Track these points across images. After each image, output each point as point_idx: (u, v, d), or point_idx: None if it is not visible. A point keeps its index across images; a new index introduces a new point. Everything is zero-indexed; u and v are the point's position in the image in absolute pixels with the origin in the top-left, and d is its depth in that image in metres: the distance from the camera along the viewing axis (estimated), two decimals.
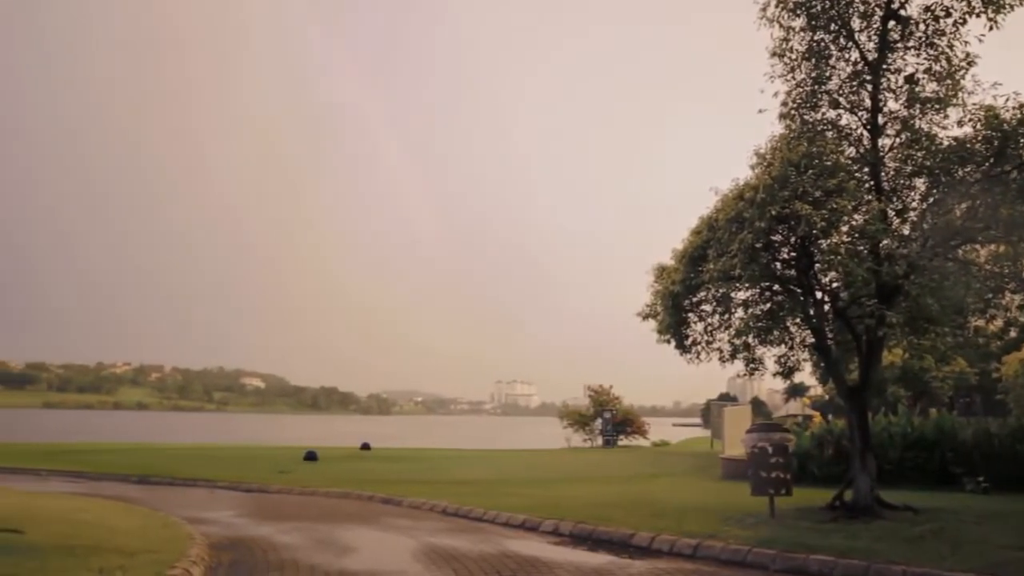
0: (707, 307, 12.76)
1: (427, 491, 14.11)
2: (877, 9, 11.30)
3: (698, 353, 13.01)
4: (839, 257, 10.25)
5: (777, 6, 11.49)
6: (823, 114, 11.79)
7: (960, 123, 10.88)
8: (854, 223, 10.69)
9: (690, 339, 12.98)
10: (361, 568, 7.67)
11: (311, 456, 22.47)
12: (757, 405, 50.80)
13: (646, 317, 13.67)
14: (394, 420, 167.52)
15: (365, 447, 29.38)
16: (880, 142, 11.55)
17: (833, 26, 11.43)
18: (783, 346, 12.69)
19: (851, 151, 11.68)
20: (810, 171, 10.54)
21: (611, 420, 37.32)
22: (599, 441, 37.64)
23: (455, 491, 14.24)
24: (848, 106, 11.69)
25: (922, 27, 11.12)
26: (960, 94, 10.92)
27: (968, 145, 10.46)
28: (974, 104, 10.70)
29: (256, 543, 8.98)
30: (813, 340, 12.30)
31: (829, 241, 10.50)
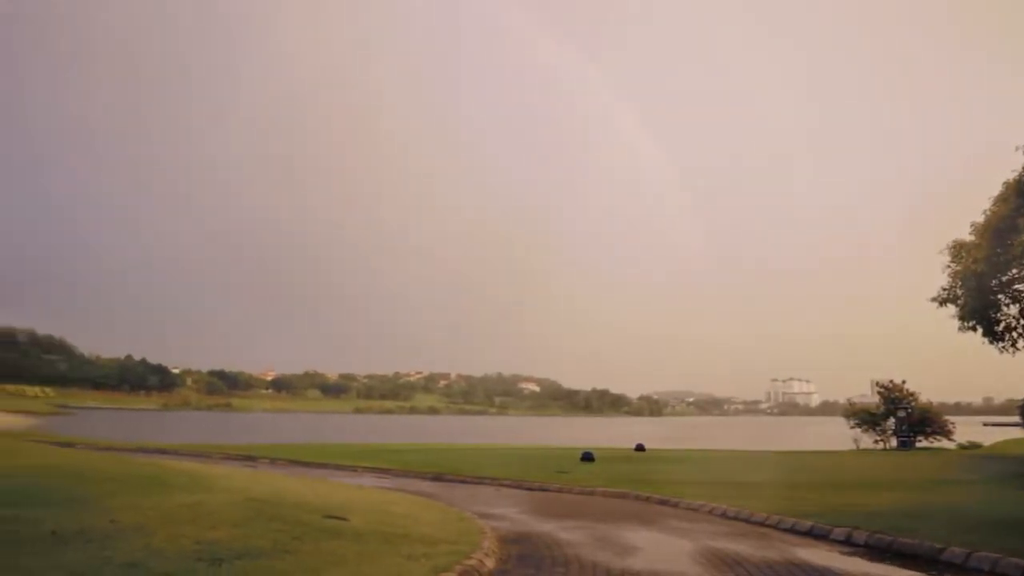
0: (1022, 286, 11.10)
1: (704, 493, 13.83)
2: None
3: (1013, 341, 11.37)
4: None
5: None
6: None
7: None
8: None
9: (1002, 324, 11.40)
10: (642, 568, 7.72)
11: (588, 457, 23.05)
12: None
13: (943, 302, 12.30)
14: (666, 421, 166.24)
15: (639, 448, 29.55)
16: None
17: None
18: None
19: None
20: None
21: (907, 419, 33.93)
22: (893, 442, 34.51)
23: (733, 493, 13.81)
24: None
25: None
26: None
27: None
28: None
29: (540, 539, 9.44)
30: None
31: None
